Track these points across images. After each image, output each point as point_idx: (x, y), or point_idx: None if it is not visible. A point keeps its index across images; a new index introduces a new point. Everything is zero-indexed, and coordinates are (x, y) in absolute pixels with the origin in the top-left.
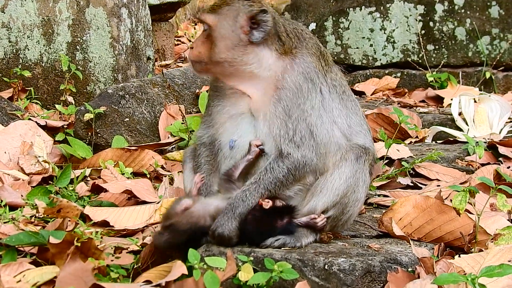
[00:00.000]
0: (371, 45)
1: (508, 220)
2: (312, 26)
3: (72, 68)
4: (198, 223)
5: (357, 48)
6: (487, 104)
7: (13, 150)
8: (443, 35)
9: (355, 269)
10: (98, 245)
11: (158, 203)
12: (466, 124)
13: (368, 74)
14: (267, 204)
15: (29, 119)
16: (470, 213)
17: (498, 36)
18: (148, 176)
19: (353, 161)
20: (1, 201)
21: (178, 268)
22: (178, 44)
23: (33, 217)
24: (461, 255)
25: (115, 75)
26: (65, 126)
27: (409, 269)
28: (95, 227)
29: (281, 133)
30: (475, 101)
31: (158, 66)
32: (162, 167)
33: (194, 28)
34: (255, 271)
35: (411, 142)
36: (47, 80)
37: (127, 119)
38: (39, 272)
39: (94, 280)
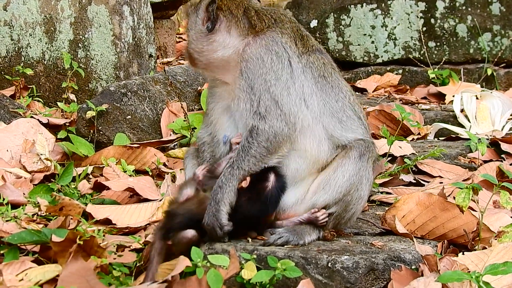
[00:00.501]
0: (372, 42)
1: (511, 217)
2: (314, 23)
3: (74, 66)
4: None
5: (359, 45)
6: (489, 101)
7: (15, 148)
8: (445, 32)
9: (359, 267)
10: (100, 243)
11: (160, 200)
12: (468, 121)
13: (369, 71)
14: (246, 182)
15: (31, 117)
16: (474, 210)
17: (499, 33)
18: (150, 173)
19: (356, 159)
20: (3, 199)
21: (182, 262)
22: (179, 42)
23: (35, 215)
24: (464, 253)
25: (117, 72)
26: (67, 124)
27: (413, 267)
28: (97, 225)
29: (247, 106)
30: (477, 98)
31: (160, 63)
32: (164, 165)
33: None
34: (258, 269)
35: (413, 139)
36: (49, 78)
37: (129, 116)
38: (41, 270)
39: (97, 278)
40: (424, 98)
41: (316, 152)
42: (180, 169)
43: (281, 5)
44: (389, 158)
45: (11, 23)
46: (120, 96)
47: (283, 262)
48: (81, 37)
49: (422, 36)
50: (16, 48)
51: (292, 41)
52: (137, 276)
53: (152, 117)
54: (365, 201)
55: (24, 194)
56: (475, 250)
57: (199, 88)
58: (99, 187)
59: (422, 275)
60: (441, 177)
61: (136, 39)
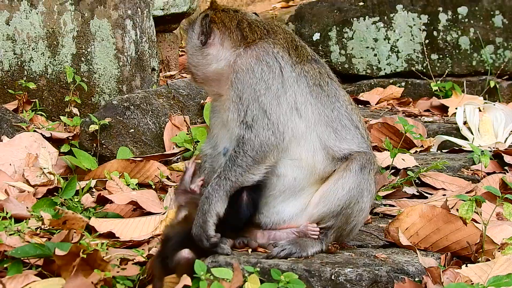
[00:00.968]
0: (375, 55)
1: None
2: (316, 36)
3: (77, 80)
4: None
5: (361, 57)
6: (492, 113)
7: (18, 162)
8: (447, 44)
9: (362, 279)
10: (103, 257)
11: (163, 214)
12: (471, 133)
13: (372, 83)
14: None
15: (34, 131)
16: (477, 222)
17: (502, 45)
18: (154, 187)
19: (357, 171)
20: (7, 213)
21: (184, 280)
22: (182, 55)
23: (38, 229)
24: (468, 265)
25: (120, 86)
26: (70, 138)
27: (416, 279)
28: (100, 238)
29: (234, 116)
30: (479, 110)
31: (163, 77)
32: (168, 178)
33: None
34: (261, 282)
35: (416, 151)
36: (52, 91)
37: (132, 130)
38: (44, 284)
39: None
40: (427, 110)
41: (311, 161)
42: None
43: (284, 18)
44: (392, 171)
45: (14, 37)
46: (123, 110)
47: (286, 274)
48: (83, 51)
49: (424, 48)
50: (19, 62)
51: (285, 51)
52: None
53: (155, 130)
54: (366, 214)
55: (27, 208)
56: (479, 262)
57: (201, 101)
58: (102, 201)
59: (426, 287)
60: (444, 189)
61: (138, 52)
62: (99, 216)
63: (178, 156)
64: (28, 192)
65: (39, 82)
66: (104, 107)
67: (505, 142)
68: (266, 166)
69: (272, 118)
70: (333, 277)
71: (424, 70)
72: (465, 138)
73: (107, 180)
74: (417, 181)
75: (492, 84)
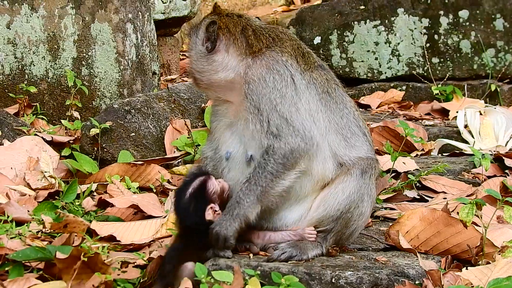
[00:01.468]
0: (376, 59)
1: None
2: (317, 39)
3: (77, 84)
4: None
5: (362, 61)
6: (493, 117)
7: (20, 165)
8: (448, 48)
9: (362, 282)
10: (104, 260)
11: (164, 217)
12: (472, 136)
13: (373, 87)
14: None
15: (35, 134)
16: (477, 225)
17: (503, 48)
18: (154, 190)
19: (358, 176)
20: (8, 216)
21: (185, 283)
22: (183, 59)
23: (39, 232)
24: (468, 268)
25: (121, 90)
26: (71, 141)
27: (417, 282)
28: (101, 242)
29: (257, 127)
30: (480, 114)
31: (164, 80)
32: (168, 182)
33: None
34: (262, 285)
35: (417, 155)
36: (53, 95)
37: (133, 133)
38: (46, 287)
39: None
40: (428, 114)
41: (322, 170)
42: None
43: (285, 22)
44: (393, 174)
45: (15, 41)
46: (124, 114)
47: (287, 278)
48: (84, 54)
49: (425, 52)
50: (20, 66)
51: (293, 59)
52: None
53: (156, 134)
54: (367, 218)
55: (28, 211)
56: (479, 265)
57: (202, 105)
58: (103, 204)
59: None
60: (445, 192)
61: (139, 56)
62: (100, 220)
63: (179, 160)
64: (29, 195)
65: (40, 85)
66: (105, 110)
67: (506, 145)
68: (296, 171)
69: (296, 125)
70: (333, 280)
71: (425, 74)
72: (466, 142)
73: (108, 183)
74: (417, 184)
75: (493, 87)
